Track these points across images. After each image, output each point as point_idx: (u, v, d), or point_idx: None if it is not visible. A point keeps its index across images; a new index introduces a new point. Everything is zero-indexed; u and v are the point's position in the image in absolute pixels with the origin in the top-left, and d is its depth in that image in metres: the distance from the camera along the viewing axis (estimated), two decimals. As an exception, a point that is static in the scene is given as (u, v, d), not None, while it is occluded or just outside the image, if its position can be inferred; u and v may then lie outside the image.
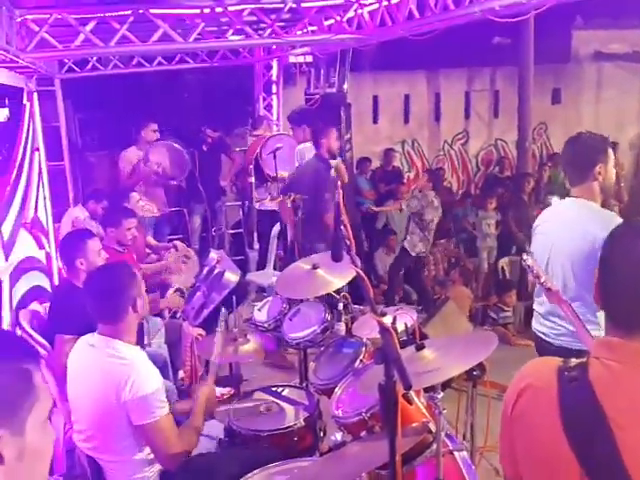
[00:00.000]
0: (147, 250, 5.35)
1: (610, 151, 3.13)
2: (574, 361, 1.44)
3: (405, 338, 2.78)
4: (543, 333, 3.05)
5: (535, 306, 3.17)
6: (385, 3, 4.77)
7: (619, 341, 1.37)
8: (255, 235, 7.33)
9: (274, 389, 3.30)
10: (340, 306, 3.32)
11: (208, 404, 2.77)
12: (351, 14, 5.30)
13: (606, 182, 3.06)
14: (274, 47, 7.16)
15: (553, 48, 10.12)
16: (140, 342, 4.09)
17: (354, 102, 8.66)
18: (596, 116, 10.73)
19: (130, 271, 2.65)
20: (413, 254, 6.74)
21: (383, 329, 1.91)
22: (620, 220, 3.01)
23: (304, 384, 3.44)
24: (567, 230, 2.96)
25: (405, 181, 9.54)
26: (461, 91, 10.69)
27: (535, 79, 9.48)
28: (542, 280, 2.61)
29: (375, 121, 10.46)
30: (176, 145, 6.28)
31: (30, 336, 3.48)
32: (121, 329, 2.58)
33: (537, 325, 3.13)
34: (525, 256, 2.67)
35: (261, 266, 6.81)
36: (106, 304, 2.59)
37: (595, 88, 10.87)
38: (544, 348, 2.99)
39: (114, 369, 2.51)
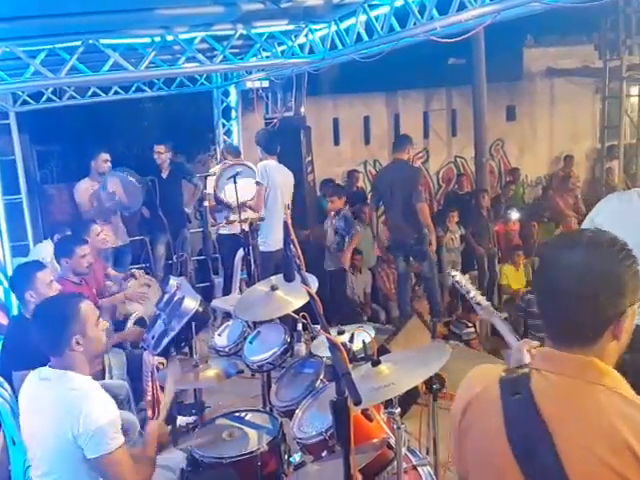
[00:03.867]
0: (107, 282, 5.28)
1: None
2: (516, 372, 1.45)
3: (363, 355, 2.79)
4: None
5: None
6: (334, 27, 4.86)
7: (556, 352, 1.38)
8: (220, 261, 7.31)
9: (237, 414, 3.26)
10: (299, 326, 3.32)
11: (159, 439, 2.72)
12: (302, 39, 5.39)
13: None
14: (230, 73, 7.21)
15: (505, 66, 10.42)
16: (101, 374, 4.04)
17: (315, 125, 8.76)
18: (550, 131, 11.03)
19: (73, 305, 2.55)
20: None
21: (332, 345, 1.92)
22: None
23: (267, 407, 3.41)
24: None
25: (369, 201, 9.63)
26: (419, 111, 10.91)
27: (489, 97, 9.74)
28: (471, 295, 2.60)
29: (336, 143, 10.60)
30: (130, 178, 6.27)
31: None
32: (70, 362, 2.52)
33: None
34: (453, 272, 2.68)
35: (227, 292, 6.78)
36: (47, 337, 2.52)
37: (548, 103, 11.19)
38: None
39: (68, 401, 2.46)
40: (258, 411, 3.31)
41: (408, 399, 3.88)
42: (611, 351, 1.36)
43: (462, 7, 3.45)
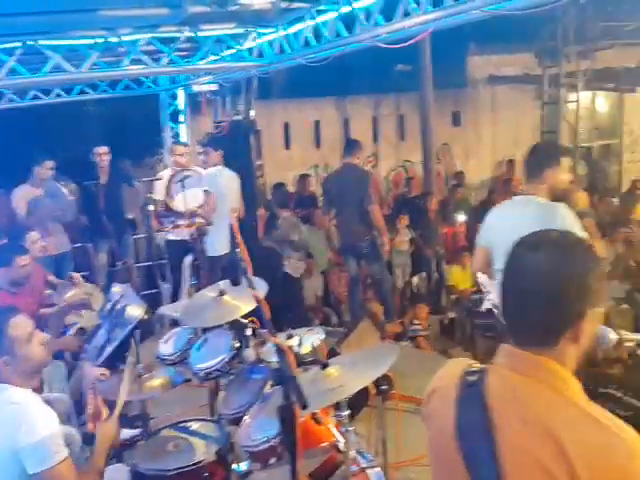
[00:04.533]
0: (48, 290, 5.11)
1: (563, 159, 3.50)
2: (477, 366, 1.45)
3: (312, 358, 2.78)
4: None
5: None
6: (282, 32, 4.87)
7: (515, 350, 1.39)
8: (168, 267, 7.18)
9: (183, 425, 3.18)
10: (248, 332, 3.28)
11: (111, 442, 2.64)
12: (251, 43, 5.37)
13: (554, 185, 3.44)
14: (177, 76, 7.12)
15: (451, 73, 10.65)
16: (40, 388, 3.89)
17: (265, 129, 8.74)
18: (494, 135, 11.32)
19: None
20: (297, 275, 6.75)
21: (278, 350, 1.91)
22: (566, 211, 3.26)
23: (215, 416, 3.35)
24: (515, 221, 3.19)
25: (320, 205, 9.66)
26: (369, 116, 11.03)
27: (436, 103, 9.92)
28: (490, 297, 2.65)
29: (287, 147, 10.60)
30: (63, 189, 6.15)
31: None
32: (6, 377, 2.43)
33: None
34: (479, 274, 2.73)
35: (175, 298, 6.66)
36: None
37: (491, 109, 11.49)
38: None
39: (7, 415, 2.36)
40: (205, 420, 3.25)
41: (358, 401, 3.89)
42: (571, 353, 1.36)
43: (406, 14, 3.51)
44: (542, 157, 3.51)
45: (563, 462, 1.26)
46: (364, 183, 6.37)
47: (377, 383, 2.93)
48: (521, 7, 3.09)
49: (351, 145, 6.59)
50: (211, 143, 6.09)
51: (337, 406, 2.57)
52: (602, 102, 12.00)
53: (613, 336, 1.93)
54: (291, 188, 9.93)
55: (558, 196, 3.44)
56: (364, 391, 3.00)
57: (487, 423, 1.34)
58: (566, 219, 3.26)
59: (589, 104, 11.56)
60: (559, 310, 1.32)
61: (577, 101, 9.18)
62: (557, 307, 1.32)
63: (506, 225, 3.36)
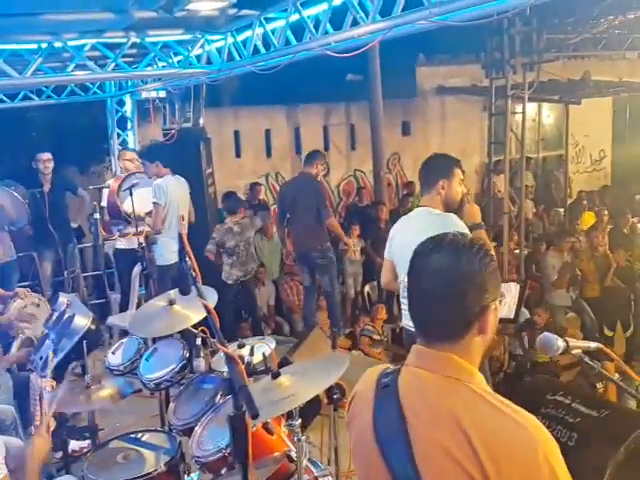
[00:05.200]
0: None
1: (457, 170, 3.54)
2: (391, 368, 1.51)
3: (264, 368, 2.76)
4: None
5: (402, 305, 3.62)
6: (231, 39, 4.85)
7: (424, 349, 1.45)
8: (116, 276, 7.01)
9: (133, 436, 3.12)
10: (199, 341, 3.24)
11: (42, 457, 2.56)
12: (199, 50, 5.34)
13: (449, 196, 3.49)
14: (124, 82, 7.00)
15: (400, 83, 10.81)
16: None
17: (216, 137, 8.66)
18: (442, 146, 11.53)
19: None
20: (230, 282, 6.71)
21: (229, 359, 1.89)
22: (457, 221, 3.32)
23: (166, 427, 3.29)
24: (411, 234, 3.27)
25: (272, 214, 9.63)
26: (319, 125, 11.08)
27: (386, 113, 10.05)
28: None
29: (238, 155, 10.53)
30: (15, 193, 5.94)
31: None
32: None
33: (407, 320, 3.40)
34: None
35: (124, 308, 6.51)
36: None
37: (440, 120, 11.72)
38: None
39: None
40: (156, 431, 3.19)
41: (310, 410, 3.88)
42: (478, 345, 1.43)
43: (355, 23, 3.55)
44: (436, 169, 3.57)
45: (470, 452, 1.30)
46: (318, 195, 6.42)
47: (329, 392, 2.94)
48: (467, 19, 3.17)
49: (312, 155, 6.62)
50: (147, 155, 5.96)
51: (289, 415, 2.56)
52: (548, 114, 12.42)
53: (561, 343, 1.98)
54: (242, 197, 9.88)
55: (451, 208, 3.51)
56: (316, 400, 3.00)
57: (401, 422, 1.38)
58: (457, 229, 3.35)
59: (535, 115, 11.93)
60: (460, 306, 1.39)
61: (523, 112, 9.44)
62: (458, 304, 1.39)
63: (403, 238, 3.48)
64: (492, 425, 1.32)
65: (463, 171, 3.65)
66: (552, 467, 1.29)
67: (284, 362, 3.74)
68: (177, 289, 3.30)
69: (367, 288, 8.49)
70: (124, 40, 4.75)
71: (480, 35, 9.22)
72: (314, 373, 2.59)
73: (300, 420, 2.55)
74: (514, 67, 9.02)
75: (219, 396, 2.93)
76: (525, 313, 6.90)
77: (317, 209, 6.29)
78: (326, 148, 11.10)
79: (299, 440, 2.46)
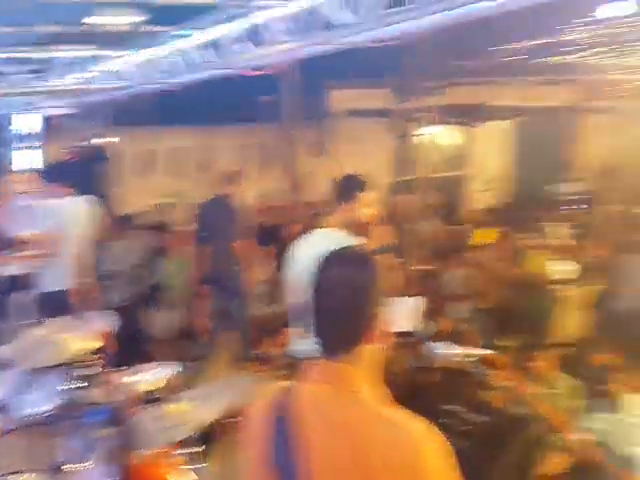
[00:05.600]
0: None
1: (361, 193, 3.57)
2: (287, 384, 1.51)
3: (159, 395, 2.67)
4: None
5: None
6: (142, 55, 4.77)
7: (320, 362, 1.47)
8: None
9: (10, 477, 2.89)
10: (84, 371, 3.04)
11: None
12: (106, 66, 5.21)
13: (353, 218, 3.55)
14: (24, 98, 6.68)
15: (313, 106, 10.96)
16: None
17: (125, 156, 8.44)
18: (355, 167, 11.76)
19: None
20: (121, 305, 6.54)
21: (116, 389, 1.82)
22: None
23: (46, 465, 3.06)
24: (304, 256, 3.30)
25: (179, 234, 9.41)
26: (233, 145, 11.05)
27: (299, 133, 10.16)
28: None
29: (147, 175, 10.30)
30: None
31: None
32: None
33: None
34: None
35: (4, 339, 6.08)
36: None
37: (351, 142, 11.97)
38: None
39: None
40: (36, 471, 2.95)
41: (211, 435, 3.80)
42: (370, 354, 1.46)
43: (268, 43, 3.58)
44: (339, 191, 3.65)
45: (361, 462, 1.32)
46: (233, 215, 6.37)
47: (231, 415, 2.88)
48: (372, 40, 3.26)
49: (228, 175, 6.57)
50: (46, 175, 5.66)
51: (187, 442, 2.49)
52: (451, 135, 12.98)
53: (441, 351, 2.06)
54: (154, 216, 9.62)
55: (356, 229, 3.55)
56: (218, 425, 2.93)
57: (298, 438, 1.39)
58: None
59: (439, 138, 12.43)
60: (354, 316, 1.43)
61: (428, 134, 9.82)
62: (352, 314, 1.43)
63: (296, 260, 3.58)
64: (380, 435, 1.34)
65: (372, 192, 3.66)
66: (443, 471, 1.34)
67: (187, 386, 3.64)
68: (63, 316, 3.16)
69: (274, 309, 8.44)
70: (30, 55, 4.56)
71: (388, 60, 9.54)
72: (217, 397, 2.56)
73: (200, 447, 2.49)
74: (419, 91, 9.37)
75: (103, 430, 2.75)
76: (432, 326, 7.09)
77: (229, 230, 6.23)
78: (240, 168, 11.07)
79: (198, 468, 2.40)
